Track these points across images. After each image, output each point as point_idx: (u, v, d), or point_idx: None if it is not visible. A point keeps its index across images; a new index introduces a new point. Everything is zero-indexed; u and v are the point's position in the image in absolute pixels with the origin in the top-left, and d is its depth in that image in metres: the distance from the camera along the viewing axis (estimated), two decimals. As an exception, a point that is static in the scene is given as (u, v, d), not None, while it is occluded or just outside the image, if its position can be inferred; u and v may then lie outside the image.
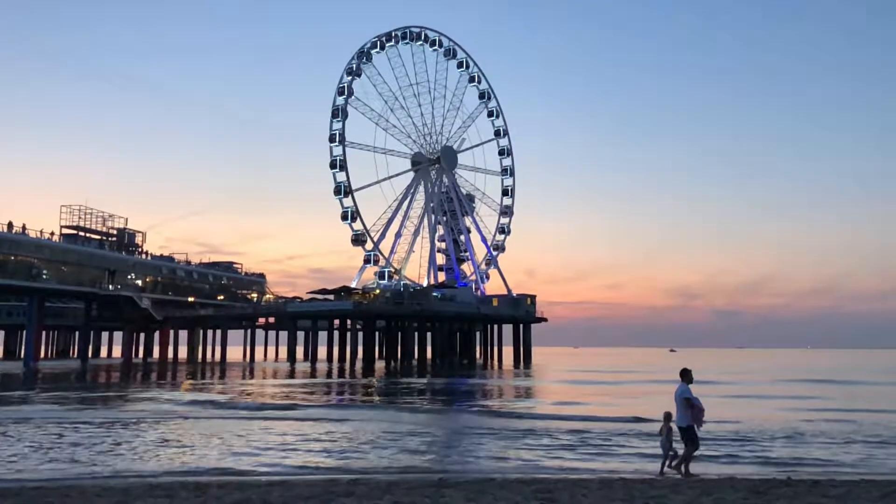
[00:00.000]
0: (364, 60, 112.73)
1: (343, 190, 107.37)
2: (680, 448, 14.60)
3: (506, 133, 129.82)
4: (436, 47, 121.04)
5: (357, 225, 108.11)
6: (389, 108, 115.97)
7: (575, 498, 11.84)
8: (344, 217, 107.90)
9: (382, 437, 21.90)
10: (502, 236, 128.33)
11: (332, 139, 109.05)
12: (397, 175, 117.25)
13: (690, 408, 14.02)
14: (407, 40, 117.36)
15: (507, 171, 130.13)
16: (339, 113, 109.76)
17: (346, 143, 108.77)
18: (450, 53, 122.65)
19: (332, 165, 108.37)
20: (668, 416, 14.75)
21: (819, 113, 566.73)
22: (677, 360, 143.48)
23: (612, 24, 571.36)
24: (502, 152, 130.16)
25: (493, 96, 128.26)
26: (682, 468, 14.47)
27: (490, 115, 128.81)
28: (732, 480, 13.89)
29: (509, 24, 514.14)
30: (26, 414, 28.42)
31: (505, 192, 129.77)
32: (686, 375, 14.49)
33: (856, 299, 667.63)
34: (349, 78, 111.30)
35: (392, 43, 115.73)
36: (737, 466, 16.74)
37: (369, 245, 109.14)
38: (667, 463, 14.87)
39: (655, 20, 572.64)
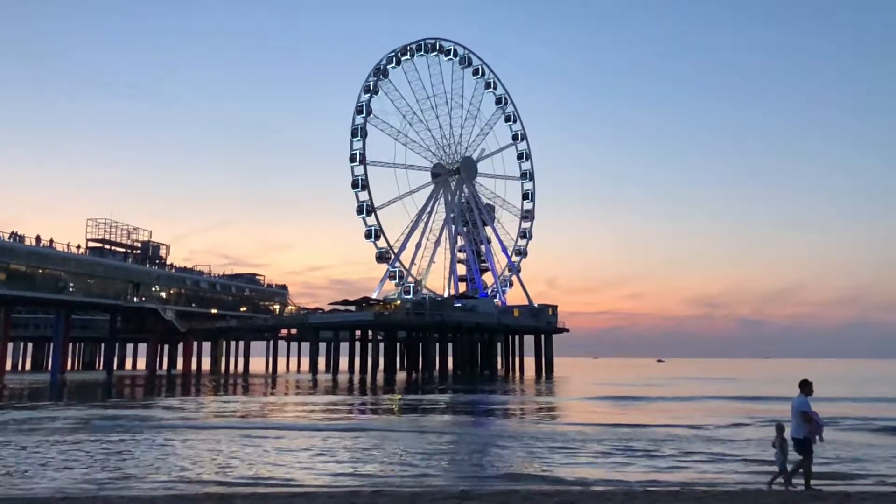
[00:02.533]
0: (381, 77, 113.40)
1: (366, 209, 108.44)
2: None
3: (524, 137, 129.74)
4: (451, 57, 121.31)
5: (381, 243, 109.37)
6: (408, 123, 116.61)
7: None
8: (368, 236, 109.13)
9: (405, 452, 21.88)
10: (524, 241, 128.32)
11: (352, 159, 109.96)
12: (418, 189, 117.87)
13: (808, 421, 13.71)
14: (422, 52, 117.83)
15: (527, 176, 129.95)
16: (358, 132, 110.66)
17: (366, 162, 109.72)
18: (465, 62, 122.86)
19: (354, 185, 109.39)
20: (780, 428, 14.47)
21: (845, 121, 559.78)
22: (663, 370, 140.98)
23: (634, 31, 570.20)
24: (521, 156, 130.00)
25: (510, 101, 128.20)
26: (805, 480, 13.97)
27: (508, 119, 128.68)
28: (759, 493, 13.69)
29: (527, 35, 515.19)
30: (51, 425, 28.75)
31: (525, 197, 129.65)
32: (805, 387, 14.12)
33: (884, 309, 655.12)
34: (367, 96, 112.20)
35: (407, 57, 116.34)
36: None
37: (396, 264, 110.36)
38: (777, 476, 14.47)
39: (679, 29, 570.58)
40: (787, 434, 14.26)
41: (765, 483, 14.72)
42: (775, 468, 14.54)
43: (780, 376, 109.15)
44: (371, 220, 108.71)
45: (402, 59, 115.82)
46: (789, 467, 14.23)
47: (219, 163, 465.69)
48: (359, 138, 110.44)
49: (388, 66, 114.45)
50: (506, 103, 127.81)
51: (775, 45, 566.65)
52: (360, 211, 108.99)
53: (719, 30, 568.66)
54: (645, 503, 12.44)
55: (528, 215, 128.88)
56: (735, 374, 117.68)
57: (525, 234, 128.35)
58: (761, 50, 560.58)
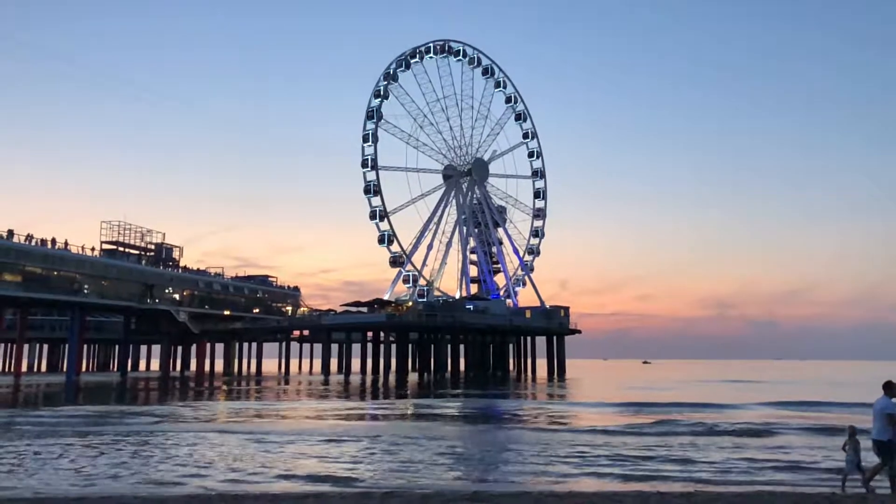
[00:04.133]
0: (391, 81, 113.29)
1: (378, 214, 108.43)
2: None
3: (534, 135, 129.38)
4: (460, 58, 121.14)
5: (394, 247, 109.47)
6: (419, 126, 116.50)
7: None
8: (381, 241, 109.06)
9: (417, 455, 21.89)
10: (537, 240, 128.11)
11: (364, 164, 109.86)
12: (430, 192, 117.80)
13: (893, 424, 13.45)
14: (431, 55, 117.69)
15: (538, 174, 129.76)
16: (369, 137, 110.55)
17: (378, 167, 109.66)
18: (475, 62, 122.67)
19: (367, 191, 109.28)
20: (853, 431, 14.34)
21: (858, 120, 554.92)
22: (651, 372, 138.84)
23: (644, 30, 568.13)
24: (532, 154, 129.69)
25: (520, 99, 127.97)
26: (890, 482, 13.62)
27: (518, 118, 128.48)
28: (773, 495, 13.56)
29: (537, 33, 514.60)
30: (66, 426, 28.94)
31: (537, 195, 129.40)
32: (890, 388, 13.81)
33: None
34: (377, 101, 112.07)
35: (417, 59, 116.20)
36: (795, 483, 16.29)
37: (409, 267, 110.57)
38: (847, 477, 14.36)
39: (688, 27, 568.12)
40: (859, 437, 14.25)
41: (837, 487, 14.51)
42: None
43: (801, 379, 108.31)
44: (384, 225, 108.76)
45: (412, 62, 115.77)
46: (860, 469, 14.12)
47: (232, 165, 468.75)
48: (370, 143, 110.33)
49: (398, 70, 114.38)
50: (516, 102, 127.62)
51: (788, 44, 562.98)
52: (373, 216, 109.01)
53: (735, 28, 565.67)
54: (657, 505, 12.35)
55: (539, 214, 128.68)
56: (750, 376, 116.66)
57: (537, 233, 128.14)
58: (775, 49, 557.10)
